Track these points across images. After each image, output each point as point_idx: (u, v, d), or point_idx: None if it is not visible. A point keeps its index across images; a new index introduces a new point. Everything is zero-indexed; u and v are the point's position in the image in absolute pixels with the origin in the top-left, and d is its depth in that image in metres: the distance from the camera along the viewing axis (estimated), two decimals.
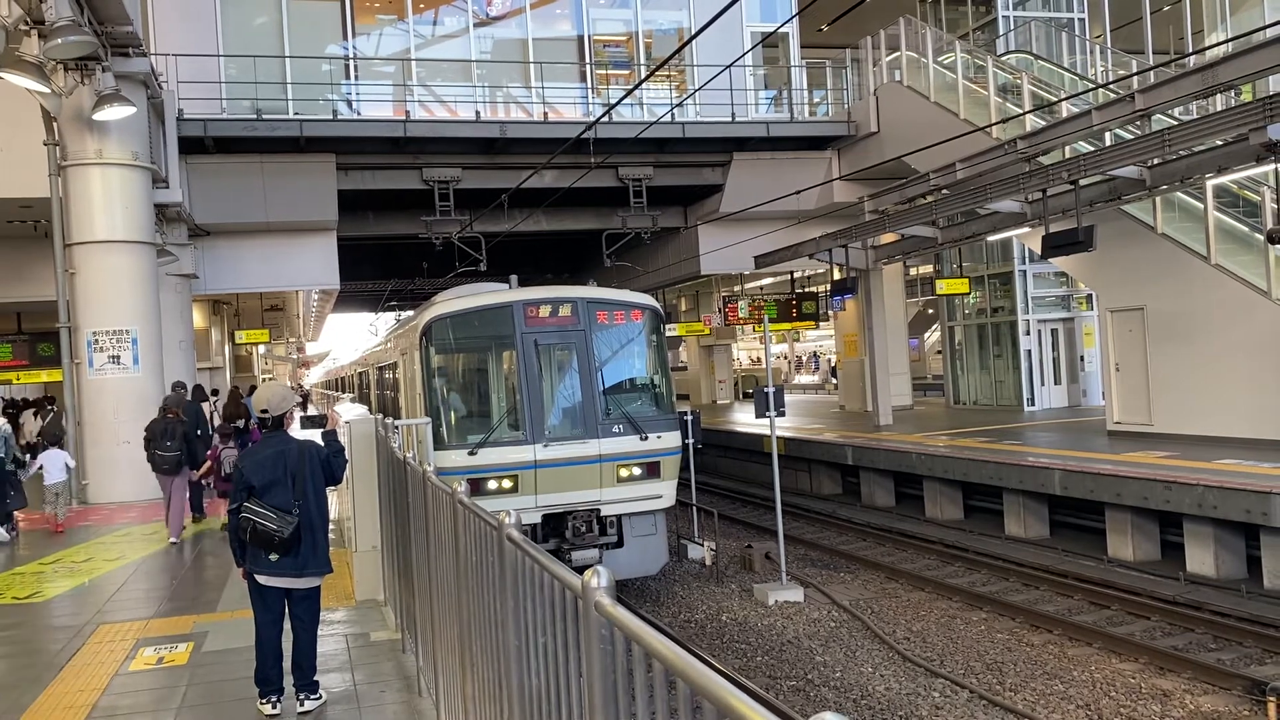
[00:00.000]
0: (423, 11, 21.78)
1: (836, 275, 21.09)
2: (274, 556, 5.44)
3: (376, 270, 31.79)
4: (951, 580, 13.32)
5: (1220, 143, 12.57)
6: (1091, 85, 19.86)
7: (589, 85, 22.40)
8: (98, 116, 14.02)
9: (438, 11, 21.99)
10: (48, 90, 13.71)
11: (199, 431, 12.66)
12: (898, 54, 21.86)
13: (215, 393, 22.20)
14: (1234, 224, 14.92)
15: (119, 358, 14.88)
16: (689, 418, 15.05)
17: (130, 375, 14.97)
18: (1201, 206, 14.59)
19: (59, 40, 12.36)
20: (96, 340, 14.83)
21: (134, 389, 15.02)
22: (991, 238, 18.12)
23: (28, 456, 13.60)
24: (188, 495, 12.12)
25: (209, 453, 11.80)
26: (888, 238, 19.97)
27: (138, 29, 14.74)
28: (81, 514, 13.94)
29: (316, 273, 21.70)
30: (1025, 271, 22.26)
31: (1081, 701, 9.13)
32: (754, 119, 22.67)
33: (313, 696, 5.63)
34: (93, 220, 14.83)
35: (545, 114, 21.57)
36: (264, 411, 5.77)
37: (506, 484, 11.68)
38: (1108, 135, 15.62)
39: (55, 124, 14.68)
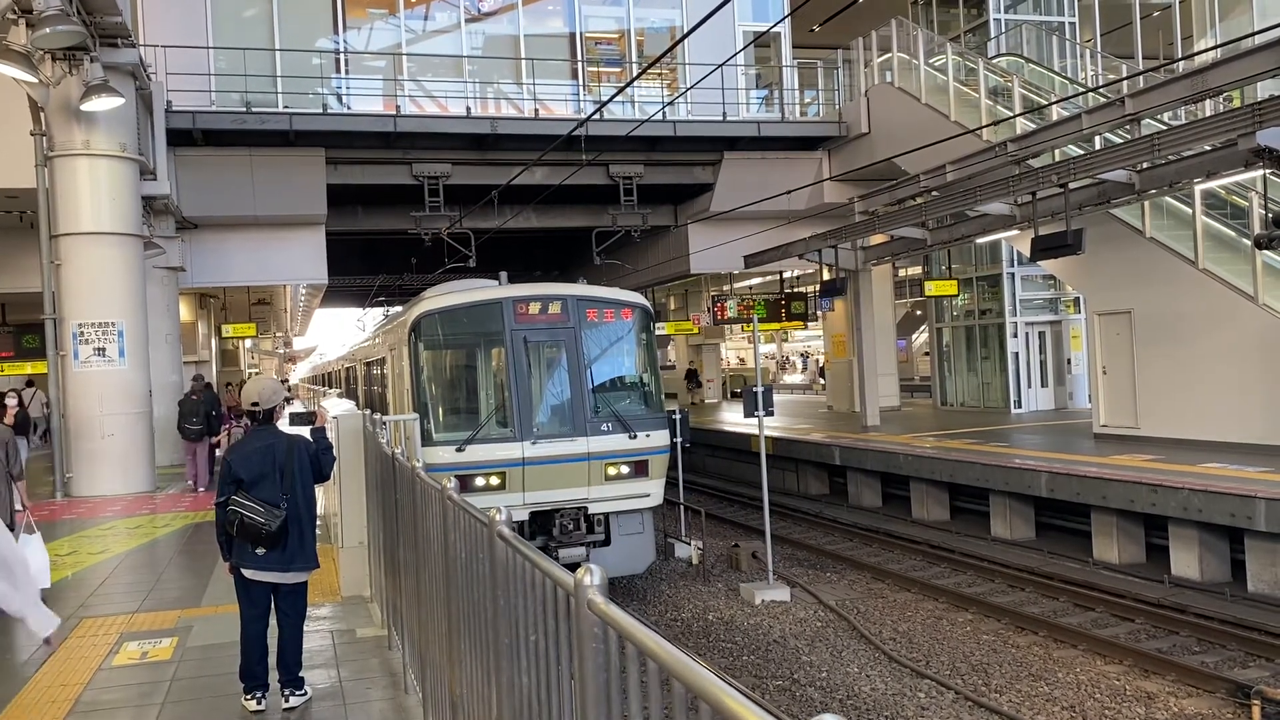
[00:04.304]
0: (414, 6, 21.72)
1: (826, 276, 21.11)
2: (260, 551, 5.41)
3: (365, 265, 31.69)
4: (938, 581, 13.35)
5: (1209, 148, 12.62)
6: (1082, 89, 19.94)
7: (580, 82, 22.37)
8: (85, 107, 13.93)
9: (429, 6, 21.93)
10: (35, 80, 13.62)
11: (214, 411, 16.10)
12: (889, 55, 21.89)
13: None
14: (1221, 228, 14.99)
15: (105, 350, 14.79)
16: (677, 417, 15.05)
17: (116, 368, 14.87)
18: (1190, 211, 14.66)
19: (47, 30, 12.27)
20: (82, 332, 14.73)
21: (120, 382, 14.93)
22: (980, 240, 18.18)
23: None
24: (207, 458, 15.68)
25: (224, 427, 16.23)
26: (877, 239, 20.00)
27: (126, 19, 14.65)
28: (65, 507, 13.85)
29: (304, 267, 21.62)
30: (1013, 274, 22.32)
31: (1066, 703, 9.16)
32: (745, 118, 22.69)
33: (298, 693, 5.60)
34: (79, 212, 14.72)
35: (536, 111, 21.54)
36: (254, 405, 5.72)
37: (494, 481, 11.64)
38: (1097, 139, 15.68)
39: (42, 114, 14.57)
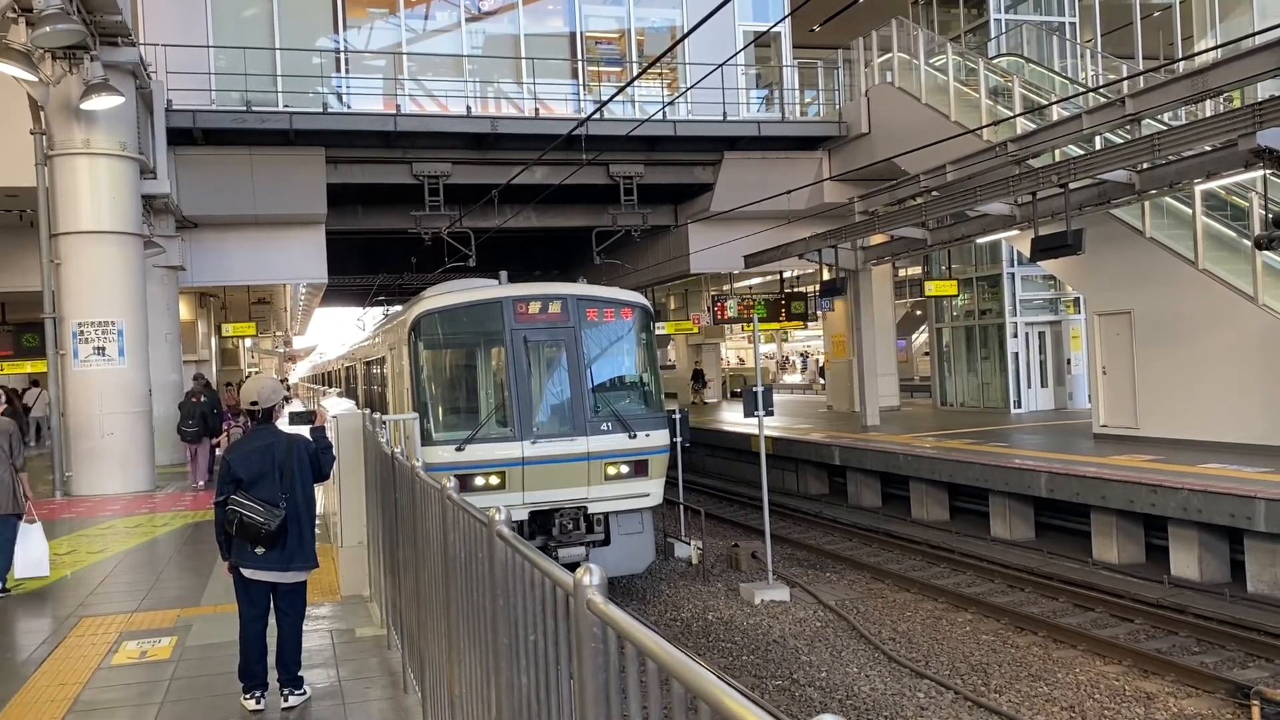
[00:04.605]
0: (414, 6, 21.71)
1: (826, 275, 21.11)
2: (260, 550, 5.40)
3: (365, 265, 31.69)
4: (937, 581, 13.35)
5: (1209, 148, 12.62)
6: (1082, 89, 19.93)
7: (581, 82, 22.37)
8: (85, 106, 13.92)
9: (429, 6, 21.92)
10: (35, 79, 13.61)
11: (215, 410, 16.32)
12: (889, 55, 21.88)
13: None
14: (1222, 229, 14.99)
15: (104, 349, 14.78)
16: (677, 416, 15.05)
17: (116, 367, 14.86)
18: (1190, 211, 14.66)
19: (47, 28, 12.26)
20: (82, 331, 14.72)
21: (119, 381, 14.92)
22: (981, 240, 18.17)
23: None
24: (208, 457, 15.93)
25: (224, 426, 16.44)
26: (877, 239, 19.99)
27: (127, 18, 14.64)
28: (65, 506, 13.85)
29: (304, 266, 21.62)
30: (1013, 274, 22.32)
31: (1065, 703, 9.15)
32: (745, 118, 22.68)
33: (297, 692, 5.59)
34: (79, 210, 14.71)
35: (536, 110, 21.54)
36: (253, 404, 5.71)
37: (494, 480, 11.64)
38: (1098, 139, 15.67)
39: (42, 113, 14.57)
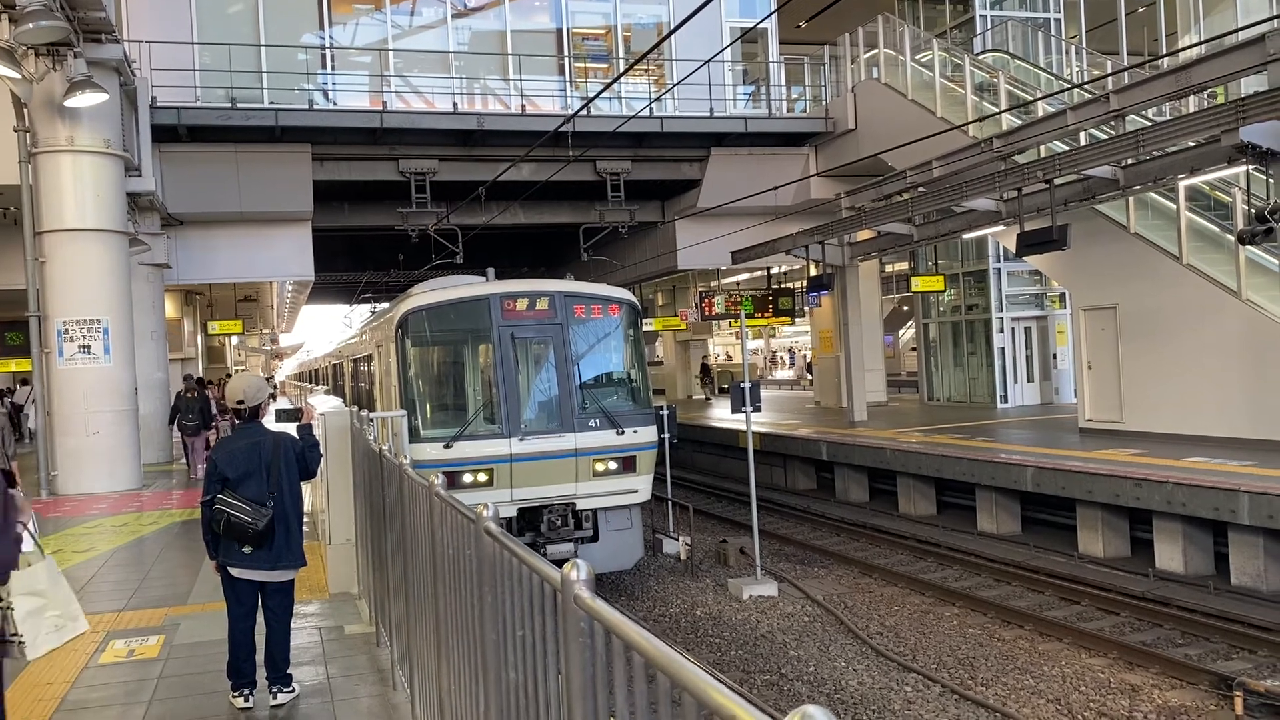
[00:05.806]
0: (400, 2, 21.64)
1: (813, 271, 21.15)
2: (247, 549, 5.39)
3: (352, 262, 31.61)
4: (924, 575, 13.41)
5: (1193, 144, 12.69)
6: (1067, 85, 20.01)
7: (567, 78, 22.35)
8: (69, 103, 13.84)
9: (415, 2, 21.86)
10: (18, 76, 13.53)
11: (208, 405, 17.31)
12: (876, 51, 21.93)
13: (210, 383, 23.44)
14: (1205, 224, 15.08)
15: (89, 348, 14.71)
16: (665, 412, 15.06)
17: (101, 365, 14.80)
18: (1174, 207, 14.74)
19: (30, 25, 12.21)
20: (67, 330, 14.65)
21: (104, 379, 14.86)
22: (967, 236, 18.23)
23: None
24: (204, 449, 16.21)
25: (212, 423, 17.22)
26: (864, 235, 20.04)
27: (110, 15, 14.55)
28: (50, 505, 13.78)
29: (291, 264, 21.56)
30: (999, 269, 22.41)
31: (1052, 696, 9.21)
32: (732, 114, 22.69)
33: (285, 689, 5.59)
34: (63, 208, 14.63)
35: (523, 106, 21.51)
36: (239, 402, 5.70)
37: (482, 477, 11.63)
38: (1082, 135, 15.75)
39: (26, 110, 14.48)
